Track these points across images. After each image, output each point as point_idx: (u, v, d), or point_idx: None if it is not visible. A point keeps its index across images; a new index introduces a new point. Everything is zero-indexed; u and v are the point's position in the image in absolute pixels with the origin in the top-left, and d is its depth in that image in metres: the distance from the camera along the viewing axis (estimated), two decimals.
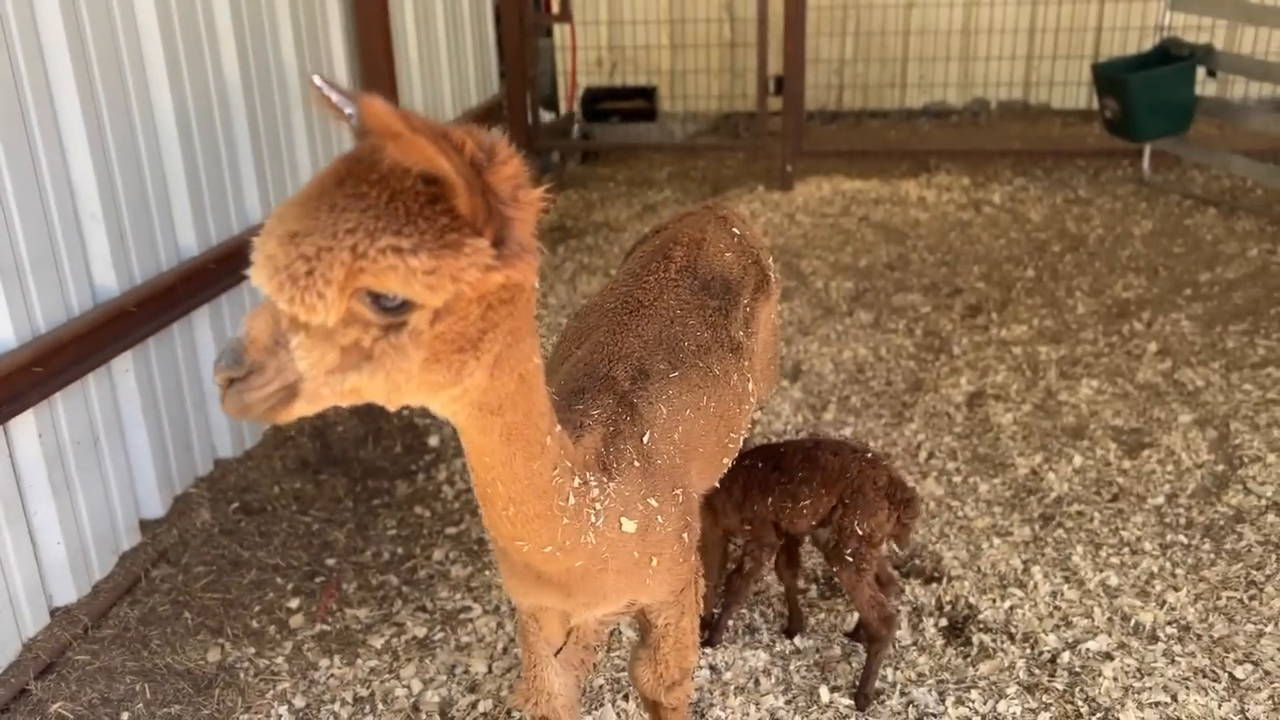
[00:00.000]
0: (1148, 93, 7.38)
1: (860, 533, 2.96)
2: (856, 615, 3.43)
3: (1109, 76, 7.63)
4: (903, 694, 3.14)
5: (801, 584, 3.52)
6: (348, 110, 1.56)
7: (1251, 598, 3.49)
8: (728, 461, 2.66)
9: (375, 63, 5.39)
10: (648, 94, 9.78)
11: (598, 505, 2.06)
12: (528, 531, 1.95)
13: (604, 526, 2.09)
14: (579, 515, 2.02)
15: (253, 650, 3.44)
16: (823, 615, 3.50)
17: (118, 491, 3.76)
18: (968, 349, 5.39)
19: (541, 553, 2.01)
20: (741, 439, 2.73)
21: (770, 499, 3.09)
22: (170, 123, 3.99)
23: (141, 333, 3.75)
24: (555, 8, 9.49)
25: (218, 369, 1.55)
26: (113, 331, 3.58)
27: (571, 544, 2.02)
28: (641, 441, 2.24)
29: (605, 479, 2.09)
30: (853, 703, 3.12)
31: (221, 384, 1.56)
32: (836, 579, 3.04)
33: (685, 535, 2.35)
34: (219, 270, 4.17)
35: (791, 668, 3.28)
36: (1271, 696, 3.06)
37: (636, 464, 2.20)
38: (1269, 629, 3.33)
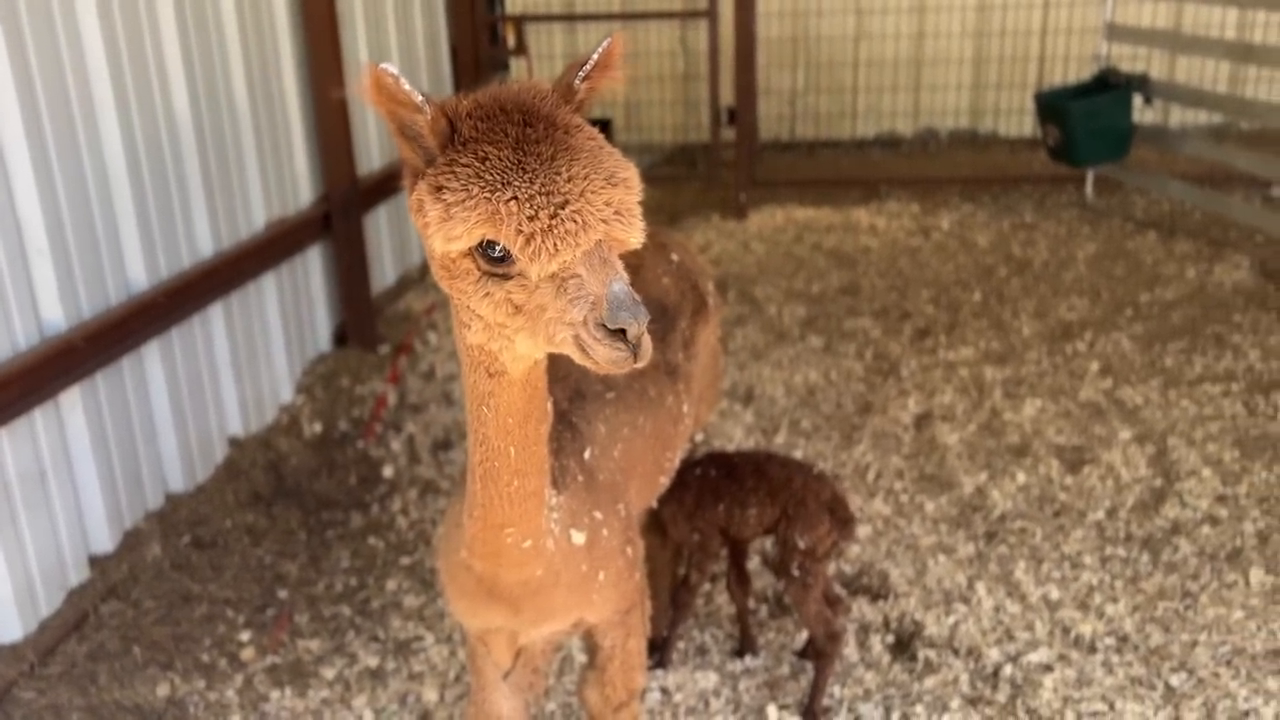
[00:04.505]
0: (1087, 120, 7.60)
1: (801, 546, 3.02)
2: (805, 634, 3.48)
3: (1050, 104, 7.85)
4: (850, 710, 3.20)
5: (752, 604, 3.57)
6: (419, 100, 1.61)
7: (1187, 608, 3.58)
8: (664, 481, 2.72)
9: (328, 101, 5.43)
10: (603, 126, 9.88)
11: (554, 515, 2.15)
12: (521, 513, 2.02)
13: (559, 535, 2.17)
14: (548, 517, 2.11)
15: (203, 684, 3.42)
16: (772, 635, 3.55)
17: (65, 527, 3.73)
18: (916, 371, 5.49)
19: (520, 548, 2.07)
20: (678, 459, 2.79)
21: (721, 505, 3.16)
22: (119, 157, 4.01)
23: (89, 367, 3.74)
24: (511, 43, 9.61)
25: (638, 324, 1.58)
26: (59, 366, 3.57)
27: (542, 544, 2.11)
28: (583, 457, 2.32)
29: (554, 492, 2.16)
30: None
31: (637, 339, 1.60)
32: (784, 595, 3.10)
33: (629, 550, 2.41)
34: (169, 304, 4.18)
35: (741, 687, 3.32)
36: (1205, 703, 3.15)
37: (580, 478, 2.28)
38: (1203, 638, 3.42)
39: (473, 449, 1.96)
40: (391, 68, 1.58)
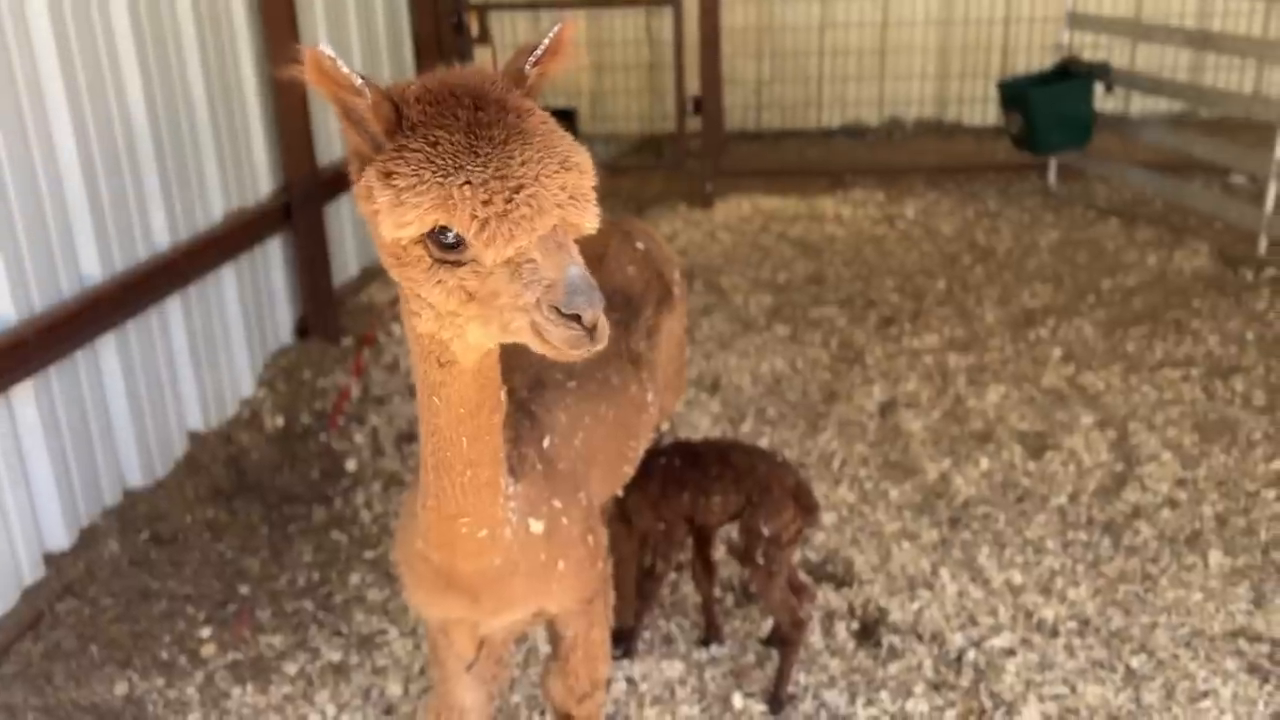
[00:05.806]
0: (1049, 107, 7.67)
1: (766, 533, 3.02)
2: (771, 621, 3.49)
3: (1013, 93, 7.90)
4: (815, 697, 3.20)
5: (717, 592, 3.57)
6: (358, 83, 1.58)
7: (1147, 590, 3.62)
8: (628, 470, 2.71)
9: (288, 94, 5.35)
10: (568, 116, 9.84)
11: (511, 504, 2.12)
12: (476, 503, 1.99)
13: (517, 524, 2.14)
14: (505, 506, 2.08)
15: (162, 681, 3.37)
16: (738, 623, 3.55)
17: (19, 524, 3.66)
18: (881, 359, 5.51)
19: (476, 537, 2.05)
20: (643, 448, 2.78)
21: (686, 493, 3.16)
22: (71, 149, 3.91)
23: (41, 361, 3.67)
24: (475, 32, 9.51)
25: (594, 308, 1.55)
26: (10, 361, 3.50)
27: (499, 533, 2.08)
28: (542, 446, 2.30)
29: (511, 480, 2.14)
30: (766, 708, 3.17)
31: (593, 323, 1.57)
32: (749, 582, 3.10)
33: (590, 539, 2.40)
34: (124, 297, 4.10)
35: (707, 676, 3.32)
36: (1164, 685, 3.18)
37: (539, 467, 2.26)
38: (1162, 620, 3.46)
39: (425, 439, 1.93)
40: (327, 49, 1.54)
